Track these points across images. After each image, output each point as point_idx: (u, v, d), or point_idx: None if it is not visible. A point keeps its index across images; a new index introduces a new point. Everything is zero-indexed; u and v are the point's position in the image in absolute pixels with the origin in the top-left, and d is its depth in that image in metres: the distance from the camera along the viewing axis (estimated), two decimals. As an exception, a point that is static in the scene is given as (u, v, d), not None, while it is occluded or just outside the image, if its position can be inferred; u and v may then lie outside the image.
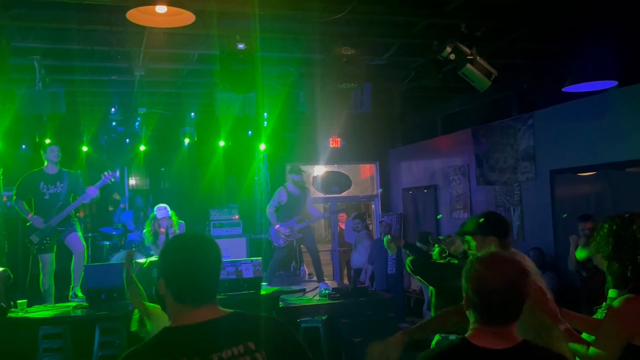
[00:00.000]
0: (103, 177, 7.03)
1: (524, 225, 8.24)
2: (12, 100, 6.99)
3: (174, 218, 7.18)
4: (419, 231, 9.07)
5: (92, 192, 6.93)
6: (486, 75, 6.04)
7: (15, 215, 8.97)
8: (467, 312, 1.95)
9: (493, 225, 3.29)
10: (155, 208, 7.24)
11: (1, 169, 7.08)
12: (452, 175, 9.99)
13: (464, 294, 1.94)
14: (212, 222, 10.21)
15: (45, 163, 7.01)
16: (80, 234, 7.14)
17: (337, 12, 5.22)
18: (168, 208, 7.19)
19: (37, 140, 8.98)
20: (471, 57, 5.89)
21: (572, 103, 7.26)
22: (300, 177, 8.43)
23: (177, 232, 7.05)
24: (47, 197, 6.90)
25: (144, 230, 7.35)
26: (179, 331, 1.75)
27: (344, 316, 6.76)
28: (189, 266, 1.79)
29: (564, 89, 6.34)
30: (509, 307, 1.85)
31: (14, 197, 6.94)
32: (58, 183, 6.95)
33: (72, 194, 7.03)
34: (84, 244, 7.13)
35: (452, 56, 5.88)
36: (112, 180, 7.11)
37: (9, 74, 5.61)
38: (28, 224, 6.92)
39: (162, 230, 7.02)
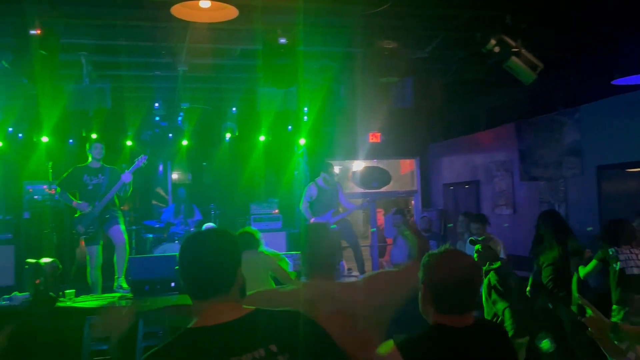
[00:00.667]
0: (136, 162, 7.25)
1: (569, 222, 8.03)
2: (60, 96, 7.21)
3: None
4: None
5: (126, 177, 7.16)
6: (532, 68, 5.91)
7: (64, 207, 9.24)
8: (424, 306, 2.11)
9: None
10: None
11: (50, 163, 7.29)
12: (494, 171, 9.81)
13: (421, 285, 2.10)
14: (252, 216, 10.30)
15: (90, 159, 7.27)
16: (123, 227, 7.33)
17: (380, 5, 5.19)
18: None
19: (84, 134, 9.22)
20: (516, 50, 5.77)
21: (621, 96, 7.04)
22: (329, 171, 8.42)
23: None
24: (90, 187, 7.21)
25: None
26: (199, 333, 1.70)
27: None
28: (197, 260, 1.77)
29: (614, 82, 6.15)
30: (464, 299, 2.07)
31: (58, 189, 7.20)
32: (100, 175, 7.25)
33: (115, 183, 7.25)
34: (126, 237, 7.33)
35: (497, 49, 5.78)
36: (145, 163, 7.28)
37: (58, 70, 5.77)
38: (77, 215, 7.15)
39: None
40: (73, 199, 7.20)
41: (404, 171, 12.75)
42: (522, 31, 5.80)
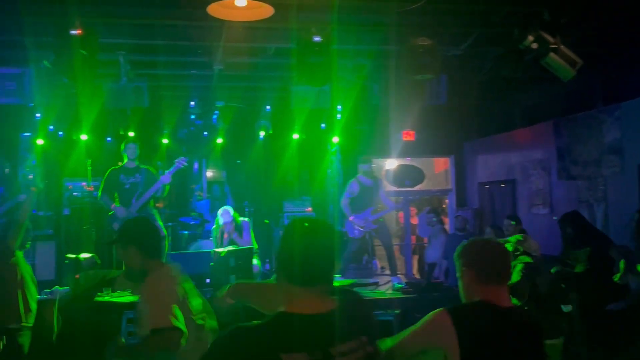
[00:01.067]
0: (176, 163, 7.31)
1: (608, 222, 7.86)
2: (99, 95, 7.37)
3: (237, 220, 7.30)
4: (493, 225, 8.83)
5: (166, 178, 7.24)
6: (570, 65, 5.79)
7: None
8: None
9: None
10: (219, 214, 7.31)
11: (89, 161, 7.47)
12: (531, 170, 9.65)
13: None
14: (285, 214, 10.36)
15: (125, 159, 7.39)
16: (160, 223, 7.44)
17: (415, 2, 5.16)
18: (230, 211, 7.25)
19: (122, 132, 9.41)
20: (555, 46, 5.66)
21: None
22: (370, 166, 8.37)
23: (241, 236, 7.20)
24: (127, 186, 7.32)
25: (212, 236, 7.57)
26: (297, 319, 1.74)
27: (417, 311, 6.67)
28: (311, 247, 1.79)
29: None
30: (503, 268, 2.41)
31: (100, 193, 7.35)
32: (137, 175, 7.35)
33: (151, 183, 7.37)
34: (165, 232, 7.44)
35: (534, 45, 5.68)
36: (185, 165, 7.36)
37: (97, 69, 5.90)
38: (111, 212, 7.29)
39: (225, 236, 7.15)
40: (112, 201, 7.31)
41: (438, 170, 12.64)
42: (560, 27, 5.69)
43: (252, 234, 7.49)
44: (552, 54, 5.70)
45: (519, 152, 10.05)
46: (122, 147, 7.43)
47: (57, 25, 5.45)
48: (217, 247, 7.19)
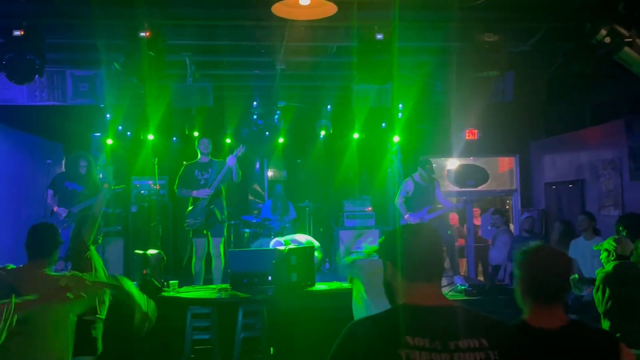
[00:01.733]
0: (236, 151, 7.50)
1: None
2: (165, 95, 7.58)
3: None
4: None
5: (231, 160, 7.43)
6: (646, 59, 5.51)
7: (168, 202, 9.73)
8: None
9: None
10: (271, 243, 7.22)
11: (156, 159, 7.69)
12: (600, 170, 9.26)
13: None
14: (345, 213, 10.36)
15: (199, 155, 7.61)
16: (225, 214, 7.68)
17: (480, -3, 5.04)
18: (282, 242, 7.04)
19: (187, 132, 9.64)
20: (630, 40, 5.39)
21: None
22: (427, 167, 8.26)
23: None
24: (202, 182, 7.60)
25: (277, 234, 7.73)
26: (419, 309, 1.84)
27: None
28: (430, 246, 1.96)
29: None
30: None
31: (176, 187, 7.69)
32: (210, 169, 7.61)
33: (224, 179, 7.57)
34: (225, 232, 7.68)
35: (607, 39, 5.43)
36: (243, 152, 7.52)
37: (164, 70, 6.06)
38: (188, 210, 7.59)
39: None
40: (190, 189, 7.60)
41: (502, 169, 12.32)
42: (636, 19, 5.42)
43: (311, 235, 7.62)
44: (626, 49, 5.43)
45: (589, 151, 9.66)
46: (196, 142, 7.67)
47: (127, 28, 5.64)
48: None
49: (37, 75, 5.88)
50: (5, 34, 5.57)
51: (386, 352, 1.73)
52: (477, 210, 11.81)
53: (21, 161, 8.45)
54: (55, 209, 7.37)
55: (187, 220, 7.56)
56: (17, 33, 5.52)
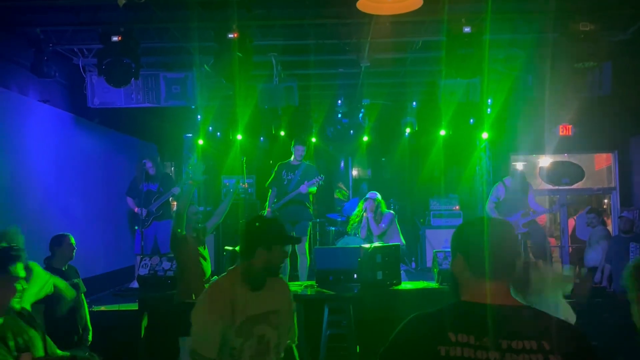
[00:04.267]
0: (314, 179, 7.45)
1: None
2: (252, 95, 7.76)
3: (382, 207, 7.35)
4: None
5: (304, 188, 7.44)
6: None
7: (256, 200, 9.94)
8: None
9: None
10: (366, 195, 7.55)
11: (244, 158, 7.87)
12: None
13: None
14: (431, 212, 10.17)
15: (292, 157, 7.69)
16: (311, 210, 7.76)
17: (576, -16, 4.79)
18: (377, 194, 7.43)
19: (273, 132, 9.82)
20: None
21: None
22: (519, 171, 8.00)
23: (380, 218, 7.27)
24: (285, 182, 7.66)
25: (349, 223, 7.73)
26: (473, 306, 1.79)
27: (577, 317, 6.21)
28: (500, 241, 1.85)
29: None
30: None
31: (268, 184, 7.74)
32: (297, 172, 7.64)
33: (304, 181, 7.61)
34: (309, 232, 7.76)
35: None
36: (320, 182, 7.53)
37: (251, 70, 6.20)
38: (264, 211, 7.70)
39: (364, 214, 7.32)
40: (274, 197, 7.71)
41: (599, 167, 11.68)
42: None
43: (399, 229, 7.51)
44: None
45: (698, 146, 8.97)
46: (292, 143, 7.74)
47: (217, 30, 5.82)
48: (350, 231, 7.42)
49: (133, 79, 6.19)
50: (104, 40, 5.90)
51: (426, 347, 1.71)
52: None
53: (119, 161, 8.93)
54: (136, 209, 7.81)
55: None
56: (115, 39, 5.84)
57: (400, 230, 7.54)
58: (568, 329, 1.79)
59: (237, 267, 2.86)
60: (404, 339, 1.79)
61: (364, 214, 7.40)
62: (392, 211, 7.57)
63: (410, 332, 1.79)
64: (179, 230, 5.12)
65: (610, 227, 10.52)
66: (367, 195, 7.46)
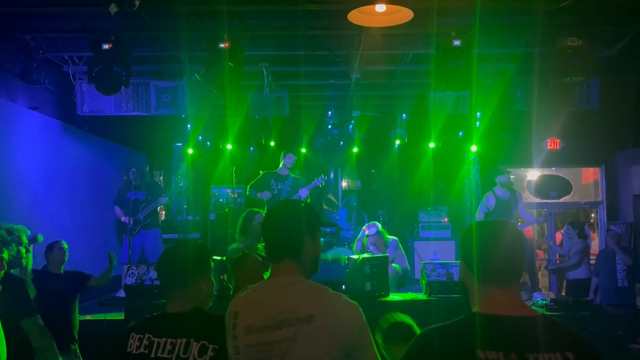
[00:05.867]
0: (315, 180, 7.50)
1: None
2: (243, 105, 7.77)
3: (385, 237, 7.30)
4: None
5: (303, 192, 7.46)
6: None
7: (244, 210, 9.89)
8: None
9: None
10: (367, 225, 7.44)
11: (234, 168, 7.87)
12: (697, 181, 8.68)
13: None
14: (420, 224, 10.18)
15: (280, 166, 7.72)
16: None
17: (564, 0, 4.86)
18: (377, 226, 7.31)
19: (263, 142, 9.82)
20: None
21: None
22: (507, 177, 7.99)
23: (385, 249, 7.19)
24: (275, 192, 7.67)
25: (352, 242, 7.67)
26: (493, 320, 1.74)
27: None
28: (503, 247, 1.80)
29: None
30: None
31: (248, 188, 7.72)
32: (286, 182, 7.69)
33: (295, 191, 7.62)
34: None
35: None
36: (322, 184, 7.53)
37: (242, 80, 6.21)
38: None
39: (369, 248, 7.19)
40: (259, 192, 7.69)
41: (586, 181, 11.78)
42: None
43: (404, 253, 7.49)
44: None
45: (683, 161, 9.08)
46: (282, 153, 7.76)
47: (208, 40, 5.84)
48: (355, 252, 7.30)
49: (123, 87, 6.17)
50: (95, 48, 5.89)
51: None
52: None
53: (108, 169, 8.88)
54: (123, 218, 7.77)
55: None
56: (105, 47, 5.83)
57: (405, 254, 7.52)
58: (582, 337, 1.77)
59: (288, 271, 2.08)
60: (423, 356, 1.73)
61: (367, 248, 7.31)
62: (394, 237, 7.49)
63: (431, 348, 1.73)
64: None
65: (597, 241, 10.59)
66: (367, 232, 7.28)
